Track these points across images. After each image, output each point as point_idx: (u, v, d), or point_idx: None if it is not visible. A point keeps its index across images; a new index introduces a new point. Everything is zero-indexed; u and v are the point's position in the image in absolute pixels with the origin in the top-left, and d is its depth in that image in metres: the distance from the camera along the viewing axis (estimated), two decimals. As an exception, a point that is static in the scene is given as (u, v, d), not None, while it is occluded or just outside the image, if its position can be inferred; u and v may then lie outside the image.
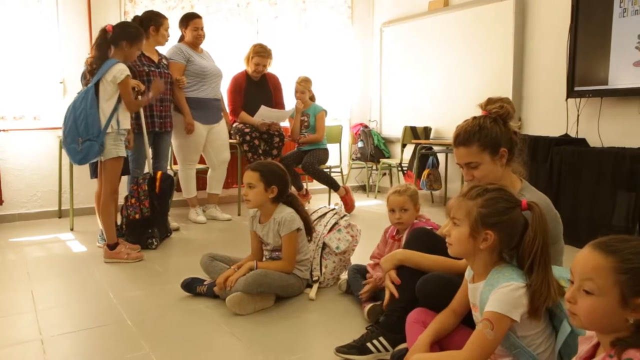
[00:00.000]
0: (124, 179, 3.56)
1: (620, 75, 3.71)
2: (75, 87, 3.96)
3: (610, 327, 1.07)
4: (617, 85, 3.74)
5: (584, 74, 3.93)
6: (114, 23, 3.18)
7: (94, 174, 3.45)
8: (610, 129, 3.88)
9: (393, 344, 1.87)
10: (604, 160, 3.46)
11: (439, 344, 1.65)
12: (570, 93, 4.02)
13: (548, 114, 4.32)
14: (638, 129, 3.71)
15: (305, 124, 4.87)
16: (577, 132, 4.08)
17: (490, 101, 1.82)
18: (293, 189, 4.74)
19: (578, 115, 4.09)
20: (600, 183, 3.46)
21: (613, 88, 3.76)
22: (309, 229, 2.62)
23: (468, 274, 1.62)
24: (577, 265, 1.11)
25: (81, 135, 2.98)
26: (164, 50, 4.13)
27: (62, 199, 4.44)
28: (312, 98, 4.94)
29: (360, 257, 2.78)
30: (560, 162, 3.69)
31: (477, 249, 1.49)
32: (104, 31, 3.09)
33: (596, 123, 3.95)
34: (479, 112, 1.85)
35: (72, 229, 4.02)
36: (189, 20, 4.21)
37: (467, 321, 1.65)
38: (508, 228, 1.46)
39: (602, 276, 1.05)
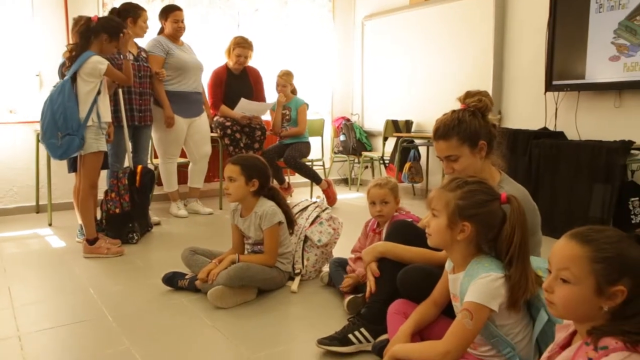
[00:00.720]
0: (103, 173, 3.52)
1: (597, 70, 3.78)
2: (52, 79, 3.88)
3: (586, 315, 1.09)
4: (594, 80, 3.81)
5: (562, 68, 3.99)
6: (92, 15, 3.12)
7: (72, 168, 3.40)
8: (588, 123, 3.95)
9: (374, 335, 1.88)
10: (581, 153, 3.53)
11: (420, 334, 1.67)
12: (549, 87, 4.08)
13: (527, 108, 4.37)
14: (614, 122, 3.79)
15: (287, 117, 4.86)
16: (555, 125, 4.14)
17: (468, 94, 1.84)
18: (275, 183, 4.73)
19: (556, 109, 4.15)
20: (578, 175, 3.52)
21: (590, 82, 3.83)
22: (291, 222, 2.62)
23: (448, 265, 1.64)
24: (555, 255, 1.13)
25: (60, 129, 2.92)
26: (143, 42, 4.08)
27: (40, 194, 4.36)
28: (294, 91, 4.93)
29: (342, 249, 2.79)
30: (539, 155, 3.74)
31: (454, 240, 1.51)
32: (88, 20, 3.03)
33: (574, 116, 4.01)
34: (459, 106, 1.87)
35: (50, 224, 3.95)
36: (169, 12, 4.15)
37: (447, 312, 1.67)
38: (485, 220, 1.48)
39: (578, 265, 1.08)
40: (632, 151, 3.45)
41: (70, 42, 3.11)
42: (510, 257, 1.44)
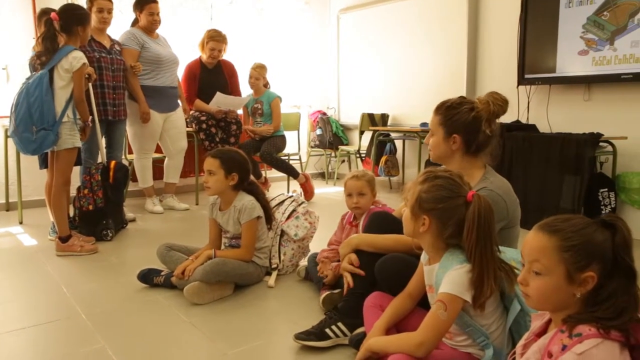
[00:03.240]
0: (76, 169, 3.45)
1: (567, 64, 3.86)
2: (19, 73, 3.78)
3: (561, 304, 1.12)
4: (564, 73, 3.89)
5: (534, 62, 4.07)
6: (56, 7, 3.04)
7: (43, 164, 3.32)
8: (558, 115, 4.04)
9: (351, 328, 1.89)
10: (552, 145, 3.60)
11: (395, 326, 1.69)
12: (521, 80, 4.15)
13: (500, 101, 4.43)
14: (583, 115, 3.88)
15: (259, 111, 4.83)
16: (527, 118, 4.22)
17: (492, 93, 1.89)
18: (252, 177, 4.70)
19: (528, 102, 4.22)
20: (549, 167, 3.59)
21: (560, 76, 3.91)
22: (269, 217, 2.62)
23: (424, 257, 1.66)
24: (525, 248, 1.16)
25: (35, 123, 2.84)
26: (117, 34, 4.00)
27: (10, 191, 4.25)
28: (266, 85, 4.91)
29: (319, 243, 2.79)
30: (511, 147, 3.81)
31: (417, 231, 1.54)
32: (50, 22, 2.93)
33: (545, 109, 4.09)
34: (434, 99, 1.91)
35: (21, 222, 3.87)
36: (144, 4, 4.05)
37: (422, 303, 1.69)
38: (442, 216, 1.49)
39: (547, 256, 1.11)
40: (601, 143, 3.54)
41: (38, 35, 3.00)
42: (469, 255, 1.45)
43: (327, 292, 2.25)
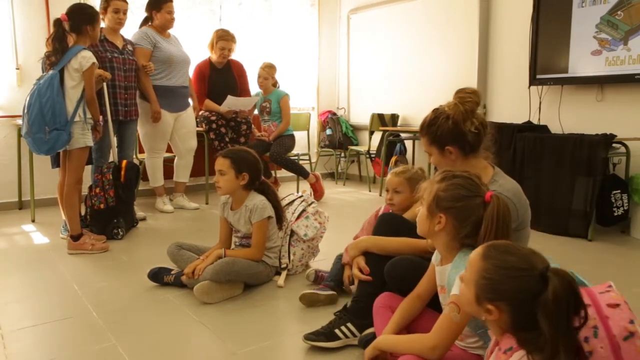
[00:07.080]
0: (87, 168, 3.48)
1: (580, 64, 3.82)
2: (33, 73, 3.81)
3: (475, 316, 1.23)
4: (576, 74, 3.85)
5: (546, 62, 4.03)
6: (65, 10, 3.05)
7: (55, 163, 3.34)
8: (570, 116, 4.00)
9: (360, 329, 1.88)
10: (564, 146, 3.57)
11: (406, 329, 1.68)
12: (533, 81, 4.12)
13: (512, 102, 4.41)
14: (596, 116, 3.84)
15: (267, 109, 4.84)
16: (539, 119, 4.19)
17: (457, 91, 1.87)
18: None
19: (540, 103, 4.19)
20: (561, 169, 3.56)
21: (573, 76, 3.88)
22: (280, 218, 2.62)
23: (435, 257, 1.65)
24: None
25: (48, 124, 2.86)
26: (129, 34, 4.02)
27: (23, 190, 4.30)
28: (275, 85, 4.92)
29: (329, 244, 2.79)
30: (523, 148, 3.78)
31: (432, 230, 1.53)
32: (59, 22, 2.95)
33: (557, 110, 4.06)
34: (444, 100, 1.89)
35: (33, 221, 3.90)
36: (163, 3, 4.06)
37: (432, 304, 1.68)
38: (460, 215, 1.48)
39: (471, 272, 1.20)
40: (614, 144, 3.50)
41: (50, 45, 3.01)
42: None
43: (311, 291, 2.24)
